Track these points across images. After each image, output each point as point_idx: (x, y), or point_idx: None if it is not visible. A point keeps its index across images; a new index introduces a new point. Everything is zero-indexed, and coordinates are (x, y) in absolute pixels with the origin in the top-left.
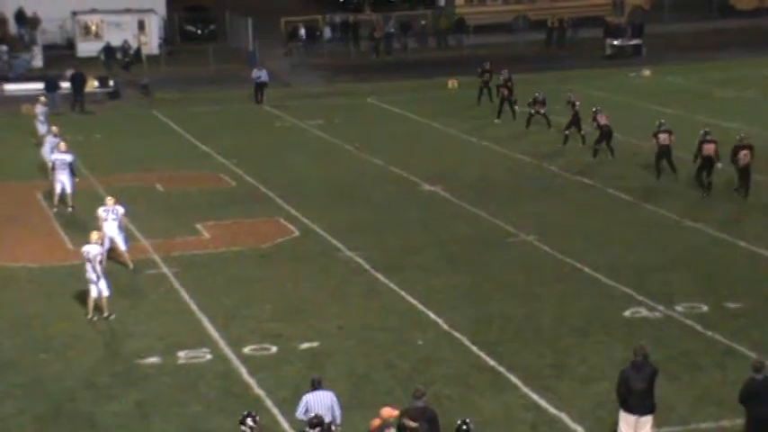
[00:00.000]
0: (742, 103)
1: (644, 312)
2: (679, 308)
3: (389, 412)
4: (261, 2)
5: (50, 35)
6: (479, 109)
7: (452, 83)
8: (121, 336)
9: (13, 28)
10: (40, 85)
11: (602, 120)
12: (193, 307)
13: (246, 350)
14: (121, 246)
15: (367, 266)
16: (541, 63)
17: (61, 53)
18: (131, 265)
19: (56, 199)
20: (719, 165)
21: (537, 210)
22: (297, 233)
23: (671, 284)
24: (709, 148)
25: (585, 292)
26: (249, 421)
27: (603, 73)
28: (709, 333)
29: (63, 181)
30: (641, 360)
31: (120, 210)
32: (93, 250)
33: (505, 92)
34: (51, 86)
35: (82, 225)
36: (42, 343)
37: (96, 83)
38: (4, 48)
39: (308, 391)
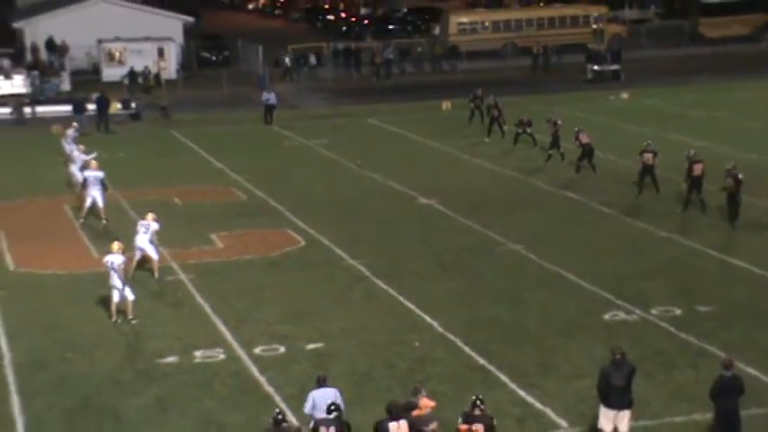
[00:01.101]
0: (713, 123)
1: (622, 315)
2: (654, 311)
3: (427, 403)
4: (271, 30)
5: (78, 61)
6: (471, 128)
7: (446, 105)
8: (142, 337)
9: (43, 55)
10: (68, 107)
11: (584, 139)
12: (208, 310)
13: (257, 350)
14: (153, 255)
15: (368, 273)
16: (528, 87)
17: (87, 78)
18: (157, 275)
19: (84, 212)
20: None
21: (524, 221)
22: (303, 243)
23: (647, 290)
24: (697, 168)
25: (569, 296)
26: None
27: (585, 96)
28: (683, 334)
29: (95, 195)
30: (620, 358)
31: (155, 226)
32: (116, 260)
33: (495, 113)
34: (78, 108)
35: (106, 235)
36: (70, 343)
37: (120, 105)
38: (36, 73)
39: (313, 388)
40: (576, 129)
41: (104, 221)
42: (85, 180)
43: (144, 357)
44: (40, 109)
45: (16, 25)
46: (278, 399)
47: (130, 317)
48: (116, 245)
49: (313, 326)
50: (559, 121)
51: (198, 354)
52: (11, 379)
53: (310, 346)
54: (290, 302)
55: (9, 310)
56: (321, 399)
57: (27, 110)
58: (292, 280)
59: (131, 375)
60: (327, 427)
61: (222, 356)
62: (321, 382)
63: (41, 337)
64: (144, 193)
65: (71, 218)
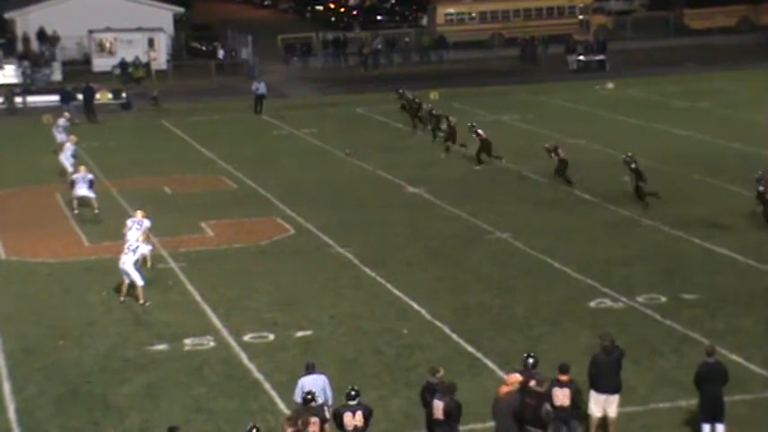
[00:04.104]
0: (696, 113)
1: (608, 303)
2: (640, 299)
3: (516, 378)
4: (259, 21)
5: (69, 51)
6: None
7: (434, 94)
8: (132, 324)
9: (35, 45)
10: (57, 97)
11: (562, 153)
12: (198, 298)
13: (246, 338)
14: (146, 246)
15: (356, 261)
16: (515, 76)
17: (78, 68)
18: (150, 264)
19: (75, 205)
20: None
21: (511, 209)
22: (292, 231)
23: (632, 277)
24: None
25: (555, 284)
26: None
27: (571, 86)
28: (667, 321)
29: (82, 195)
30: (609, 344)
31: (147, 223)
32: (142, 248)
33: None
34: (66, 98)
35: (97, 225)
36: (61, 331)
37: (110, 95)
38: (27, 63)
39: (302, 375)
40: (554, 145)
41: (96, 211)
42: (73, 182)
43: (134, 345)
44: (32, 99)
45: (7, 15)
46: (267, 386)
47: (142, 301)
48: (142, 236)
49: (302, 313)
50: (481, 131)
51: (187, 341)
52: (2, 366)
53: (299, 334)
54: (279, 290)
55: (1, 298)
56: (310, 385)
57: (18, 100)
58: (281, 268)
59: (121, 363)
60: (353, 413)
61: (212, 344)
62: (310, 369)
63: (32, 325)
64: (134, 182)
65: (62, 207)
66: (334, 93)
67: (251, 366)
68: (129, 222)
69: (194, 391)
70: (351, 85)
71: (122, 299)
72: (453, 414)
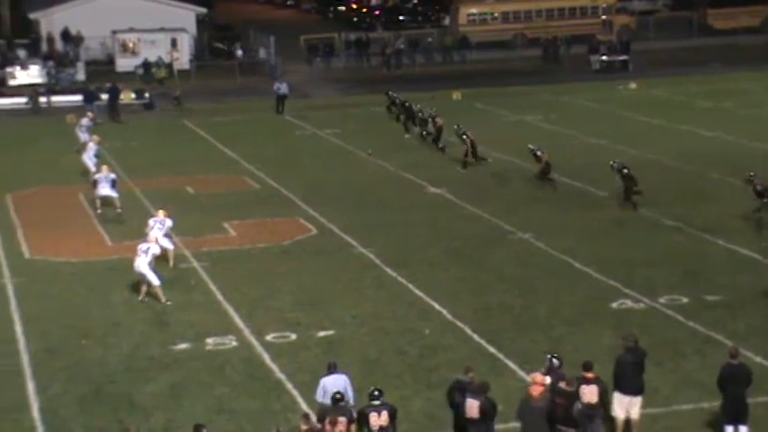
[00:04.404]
0: (719, 113)
1: (630, 304)
2: (662, 300)
3: (542, 378)
4: (282, 21)
5: (92, 52)
6: (480, 117)
7: (456, 95)
8: (156, 324)
9: (59, 45)
10: (81, 97)
11: (545, 157)
12: (220, 298)
13: (269, 337)
14: (169, 246)
15: (378, 262)
16: (537, 77)
17: (102, 68)
18: (172, 263)
19: (98, 205)
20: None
21: (532, 210)
22: (315, 231)
23: (654, 278)
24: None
25: (577, 285)
26: None
27: (593, 86)
28: (690, 323)
29: (105, 194)
30: (633, 345)
31: (169, 222)
32: (152, 248)
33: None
34: (90, 98)
35: (120, 224)
36: (84, 330)
37: (133, 95)
38: (51, 63)
39: (324, 375)
40: (534, 148)
41: (119, 211)
42: (95, 181)
43: (157, 344)
44: (56, 99)
45: (33, 16)
46: (289, 386)
47: (164, 300)
48: (153, 236)
49: (324, 313)
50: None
51: (210, 341)
52: (26, 365)
53: (321, 334)
54: (302, 290)
55: (25, 297)
56: (332, 386)
57: (42, 99)
58: (304, 268)
59: (145, 362)
60: (379, 412)
61: (234, 343)
62: (331, 369)
63: (56, 324)
64: (157, 182)
65: (85, 206)
66: (357, 93)
67: (273, 366)
68: (151, 222)
69: (217, 390)
70: (373, 85)
71: (140, 298)
72: (489, 412)
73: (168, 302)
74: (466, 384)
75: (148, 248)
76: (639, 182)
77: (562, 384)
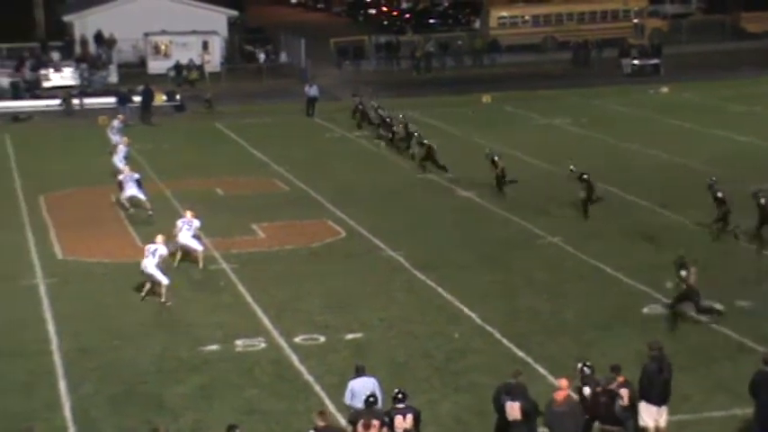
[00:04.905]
0: (752, 117)
1: (661, 309)
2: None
3: (566, 382)
4: (312, 24)
5: (125, 54)
6: (510, 121)
7: (486, 98)
8: (186, 325)
9: (92, 48)
10: (114, 99)
11: (501, 163)
12: (249, 300)
13: (297, 339)
14: (198, 247)
15: (407, 265)
16: (567, 80)
17: (134, 70)
18: (201, 264)
19: (128, 205)
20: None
21: (562, 214)
22: (343, 234)
23: None
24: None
25: (607, 290)
26: None
27: (624, 90)
28: (722, 329)
29: (132, 194)
30: (658, 353)
31: (197, 223)
32: (161, 250)
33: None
34: (123, 100)
35: (150, 225)
36: (115, 331)
37: (165, 97)
38: (84, 65)
39: (352, 378)
40: (489, 151)
41: (150, 213)
42: (121, 183)
43: (187, 345)
44: (89, 101)
45: (66, 19)
46: (317, 388)
47: (164, 299)
48: (161, 237)
49: (352, 316)
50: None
51: (239, 342)
52: (58, 365)
53: (349, 336)
54: (330, 293)
55: (57, 298)
56: (360, 388)
57: (75, 101)
58: (332, 270)
59: (174, 363)
60: (404, 415)
61: (263, 345)
62: (359, 372)
63: (88, 325)
64: (187, 183)
65: (117, 207)
66: (386, 96)
67: (302, 368)
68: (179, 223)
69: (246, 392)
70: (403, 88)
71: (142, 295)
72: (531, 412)
73: (168, 303)
74: (510, 387)
75: (156, 249)
76: (597, 190)
77: (586, 389)
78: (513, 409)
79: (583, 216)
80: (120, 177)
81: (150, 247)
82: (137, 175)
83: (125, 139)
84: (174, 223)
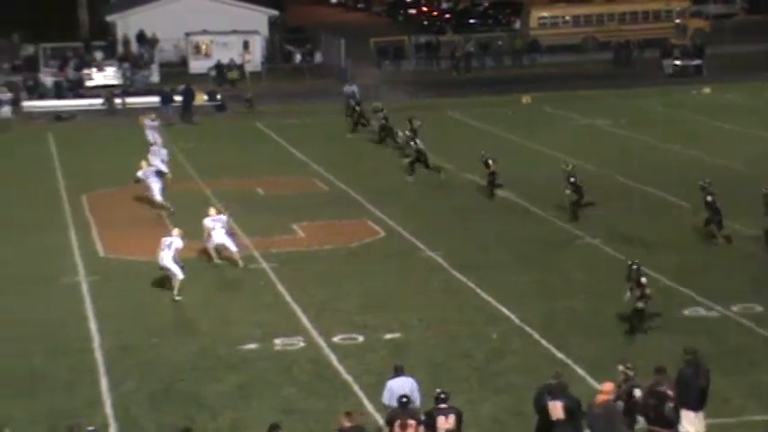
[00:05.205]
0: None
1: (702, 312)
2: (735, 308)
3: (610, 386)
4: (353, 24)
5: (166, 54)
6: (550, 121)
7: (526, 98)
8: (224, 323)
9: (134, 47)
10: (156, 99)
11: (494, 167)
12: (288, 299)
13: (336, 339)
14: (232, 248)
15: (446, 265)
16: (608, 80)
17: (175, 70)
18: (240, 264)
19: (162, 202)
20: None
21: (601, 214)
22: (383, 234)
23: (727, 287)
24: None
25: None
26: None
27: (666, 90)
28: (763, 332)
29: (155, 188)
30: (693, 358)
31: (224, 217)
32: (176, 243)
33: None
34: (166, 100)
35: (190, 223)
36: (155, 329)
37: (206, 97)
38: (127, 65)
39: (390, 378)
40: (484, 153)
41: (171, 210)
42: (142, 179)
43: (226, 344)
44: (131, 100)
45: (109, 19)
46: (356, 387)
47: (175, 293)
48: (176, 230)
49: (391, 316)
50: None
51: (278, 341)
52: (100, 362)
53: (388, 336)
54: (369, 292)
55: (99, 295)
56: (398, 388)
57: (118, 101)
58: (371, 270)
59: (213, 361)
60: (446, 416)
61: (302, 344)
62: (398, 372)
63: (129, 322)
64: (227, 183)
65: (156, 206)
66: (426, 96)
67: (340, 367)
68: (209, 223)
69: (284, 391)
70: (443, 88)
71: (174, 293)
72: (575, 411)
73: (178, 299)
74: (551, 387)
75: (171, 243)
76: (587, 193)
77: (637, 392)
78: (556, 409)
79: (571, 218)
80: (139, 174)
81: (166, 240)
82: (153, 168)
83: (158, 138)
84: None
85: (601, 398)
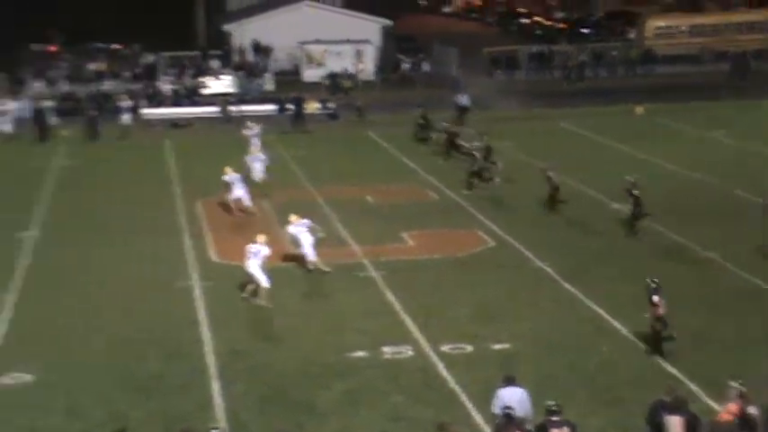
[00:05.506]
0: None
1: None
2: None
3: (733, 408)
4: (465, 33)
5: (280, 62)
6: (664, 132)
7: (640, 109)
8: (333, 330)
9: (249, 56)
10: (270, 107)
11: (555, 181)
12: (397, 307)
13: (444, 348)
14: (312, 257)
15: (556, 276)
16: (724, 92)
17: (289, 78)
18: (326, 269)
19: (237, 209)
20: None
21: (716, 227)
22: (493, 244)
23: None
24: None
25: (766, 306)
26: None
27: None
28: None
29: (239, 195)
30: None
31: (307, 221)
32: (263, 250)
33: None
34: (282, 108)
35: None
36: (265, 334)
37: (318, 105)
38: (242, 73)
39: (501, 386)
40: (545, 166)
41: (249, 213)
42: (229, 184)
43: (334, 350)
44: (245, 108)
45: (226, 28)
46: (463, 397)
47: (262, 302)
48: (262, 237)
49: (500, 326)
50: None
51: (386, 349)
52: (213, 365)
53: (497, 347)
54: (478, 302)
55: (212, 301)
56: (508, 397)
57: (233, 108)
58: (481, 280)
59: (322, 368)
60: (559, 428)
61: (410, 353)
62: (509, 381)
63: (239, 327)
64: (338, 190)
65: (267, 210)
66: (538, 106)
67: (448, 377)
68: (293, 230)
69: (392, 398)
70: (554, 98)
71: (243, 295)
72: (696, 427)
73: (269, 306)
74: (667, 403)
75: (258, 251)
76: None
77: (751, 410)
78: (675, 425)
79: (629, 231)
80: (226, 178)
81: (252, 247)
82: (238, 175)
83: (257, 144)
84: (325, 228)
85: (724, 416)
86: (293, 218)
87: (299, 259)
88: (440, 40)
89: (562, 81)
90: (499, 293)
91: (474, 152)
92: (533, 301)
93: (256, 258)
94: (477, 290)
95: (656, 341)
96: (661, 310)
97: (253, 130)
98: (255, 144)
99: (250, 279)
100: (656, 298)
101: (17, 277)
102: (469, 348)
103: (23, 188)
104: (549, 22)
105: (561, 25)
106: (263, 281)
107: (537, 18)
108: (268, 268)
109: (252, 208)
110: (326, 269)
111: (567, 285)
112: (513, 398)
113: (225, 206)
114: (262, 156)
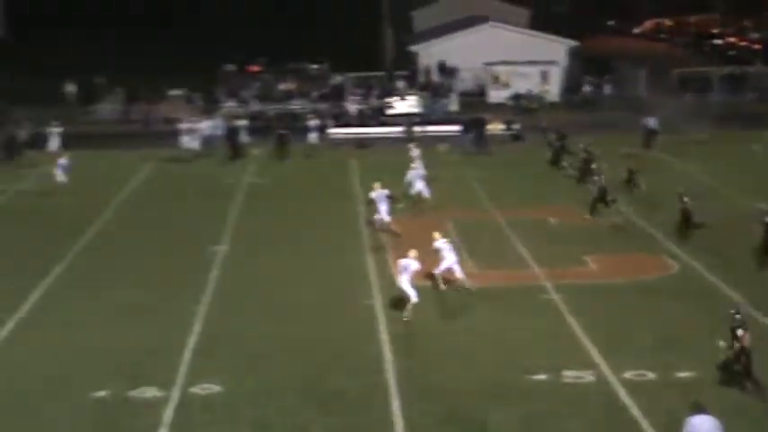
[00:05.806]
0: None
1: None
2: None
3: None
4: (653, 54)
5: (464, 83)
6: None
7: None
8: (512, 352)
9: (435, 76)
10: (455, 127)
11: (685, 204)
12: (579, 332)
13: (627, 375)
14: (459, 274)
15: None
16: None
17: (473, 99)
18: (470, 286)
19: (380, 228)
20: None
21: None
22: (677, 269)
23: None
24: None
25: None
26: None
27: None
28: None
29: (383, 211)
30: None
31: (385, 191)
32: (412, 265)
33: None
34: (467, 129)
35: (482, 252)
36: (442, 353)
37: (503, 126)
38: (427, 93)
39: (691, 414)
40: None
41: (397, 234)
42: (373, 201)
43: (513, 372)
44: (429, 128)
45: (413, 49)
46: (644, 425)
47: (406, 314)
48: (413, 252)
49: (685, 354)
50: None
51: (567, 373)
52: (393, 383)
53: (681, 375)
54: (662, 329)
55: (391, 318)
56: (700, 426)
57: (417, 128)
58: (665, 306)
59: (500, 389)
60: None
61: (591, 378)
62: (699, 410)
63: (418, 345)
64: (520, 212)
65: (452, 231)
66: (730, 129)
67: (630, 404)
68: (441, 245)
69: (570, 423)
70: (747, 121)
71: (406, 317)
72: None
73: (405, 319)
74: None
75: (408, 265)
76: None
77: None
78: None
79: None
80: (372, 195)
81: (402, 262)
82: (386, 191)
83: (419, 161)
84: (507, 250)
85: None
86: (437, 235)
87: (453, 279)
88: (628, 61)
89: (757, 103)
90: (684, 320)
91: (596, 177)
92: (720, 329)
93: (406, 273)
94: (660, 316)
95: (728, 372)
96: (740, 344)
97: (416, 150)
98: (419, 162)
99: (402, 294)
100: (740, 332)
101: (208, 291)
102: (652, 375)
103: (215, 204)
104: (743, 43)
105: (756, 46)
106: (412, 295)
107: (730, 39)
108: (414, 283)
109: (395, 227)
110: (470, 286)
111: (758, 316)
112: (704, 426)
113: (407, 225)
114: (422, 172)
